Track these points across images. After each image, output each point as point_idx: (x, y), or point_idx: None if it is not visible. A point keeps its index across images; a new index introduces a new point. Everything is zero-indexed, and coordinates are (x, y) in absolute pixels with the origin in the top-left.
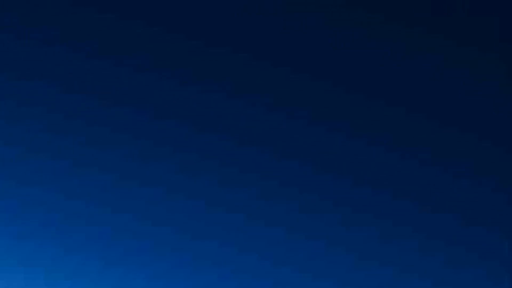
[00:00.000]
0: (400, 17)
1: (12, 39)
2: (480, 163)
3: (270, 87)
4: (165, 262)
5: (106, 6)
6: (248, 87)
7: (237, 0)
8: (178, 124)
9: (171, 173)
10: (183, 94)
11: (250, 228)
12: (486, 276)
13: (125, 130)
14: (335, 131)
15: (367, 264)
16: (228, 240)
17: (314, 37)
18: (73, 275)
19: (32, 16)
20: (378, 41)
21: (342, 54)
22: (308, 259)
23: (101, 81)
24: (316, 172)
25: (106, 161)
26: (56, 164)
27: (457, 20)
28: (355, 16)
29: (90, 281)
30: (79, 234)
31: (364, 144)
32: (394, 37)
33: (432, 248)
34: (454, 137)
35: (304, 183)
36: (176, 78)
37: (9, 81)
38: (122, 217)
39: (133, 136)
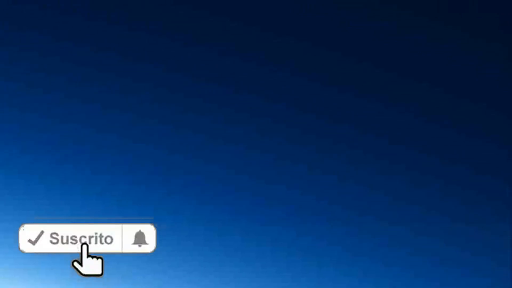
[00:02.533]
0: (425, 13)
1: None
2: (485, 125)
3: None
4: (180, 180)
5: None
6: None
7: None
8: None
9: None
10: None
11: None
12: (490, 212)
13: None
14: (377, 102)
15: (398, 204)
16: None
17: (349, 29)
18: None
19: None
20: (408, 31)
21: (379, 41)
22: (353, 200)
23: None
24: (359, 133)
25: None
26: (161, 127)
27: (469, 16)
28: (393, 13)
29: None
30: (178, 182)
31: (398, 112)
32: (420, 28)
33: (450, 191)
34: (466, 106)
35: (350, 142)
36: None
37: (119, 63)
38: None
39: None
